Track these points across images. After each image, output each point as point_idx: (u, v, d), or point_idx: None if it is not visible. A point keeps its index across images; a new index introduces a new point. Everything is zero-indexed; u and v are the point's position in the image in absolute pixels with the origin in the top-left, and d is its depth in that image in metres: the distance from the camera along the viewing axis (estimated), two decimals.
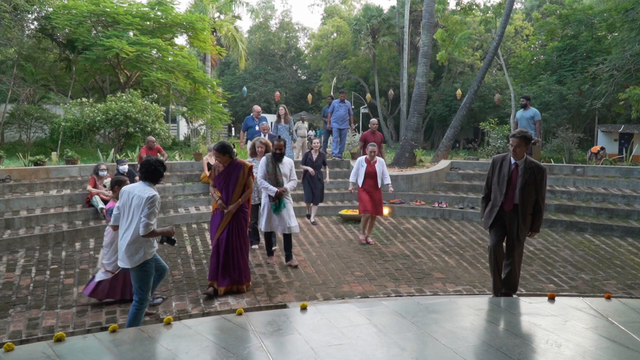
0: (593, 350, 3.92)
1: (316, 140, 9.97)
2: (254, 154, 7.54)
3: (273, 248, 7.73)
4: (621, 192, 10.44)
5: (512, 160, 5.30)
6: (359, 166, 8.42)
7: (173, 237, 4.92)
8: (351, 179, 8.63)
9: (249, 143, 7.71)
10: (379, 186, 8.33)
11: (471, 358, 3.75)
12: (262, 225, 7.00)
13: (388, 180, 8.40)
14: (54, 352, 3.76)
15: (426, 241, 8.69)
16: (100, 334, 4.22)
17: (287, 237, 7.12)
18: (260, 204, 7.36)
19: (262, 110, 38.22)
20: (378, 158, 8.44)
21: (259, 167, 6.94)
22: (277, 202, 6.79)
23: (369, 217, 8.36)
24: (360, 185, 8.31)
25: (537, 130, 11.25)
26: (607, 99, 16.59)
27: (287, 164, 7.06)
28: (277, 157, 6.93)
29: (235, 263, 5.99)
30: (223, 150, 5.91)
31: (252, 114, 11.76)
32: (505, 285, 5.44)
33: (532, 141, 11.53)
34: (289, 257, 7.16)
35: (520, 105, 11.69)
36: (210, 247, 6.60)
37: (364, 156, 8.51)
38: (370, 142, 10.47)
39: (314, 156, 9.76)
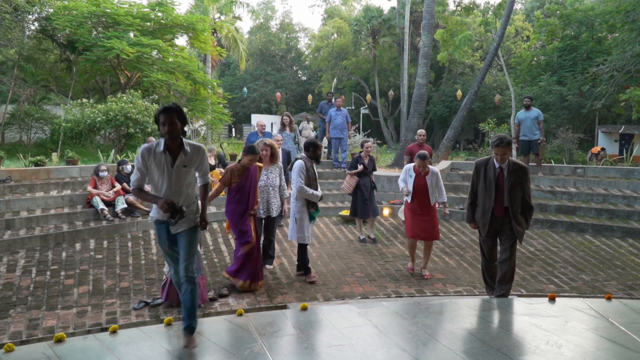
0: (593, 351, 3.92)
1: (368, 143, 8.65)
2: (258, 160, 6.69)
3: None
4: (622, 192, 10.43)
5: (497, 165, 5.32)
6: (406, 175, 6.85)
7: (172, 208, 3.78)
8: (400, 183, 6.94)
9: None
10: (432, 203, 6.70)
11: (471, 359, 3.75)
12: (303, 238, 6.37)
13: (443, 198, 6.74)
14: (54, 353, 3.76)
15: None
16: (101, 335, 4.22)
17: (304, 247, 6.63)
18: (265, 217, 6.55)
19: (263, 110, 37.99)
20: (431, 168, 6.74)
21: (296, 173, 6.22)
22: (315, 208, 6.43)
23: (415, 242, 6.89)
24: (409, 201, 6.78)
25: (541, 130, 11.20)
26: (607, 100, 16.59)
27: (314, 166, 6.64)
28: (315, 160, 6.42)
29: (260, 262, 6.17)
30: (255, 151, 5.94)
31: (255, 129, 10.40)
32: (501, 285, 5.42)
33: (538, 141, 11.38)
34: (307, 267, 6.67)
35: (524, 105, 11.51)
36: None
37: (412, 164, 6.85)
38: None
39: (366, 161, 8.47)
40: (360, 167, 8.36)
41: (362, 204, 8.33)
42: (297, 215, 6.32)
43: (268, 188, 6.46)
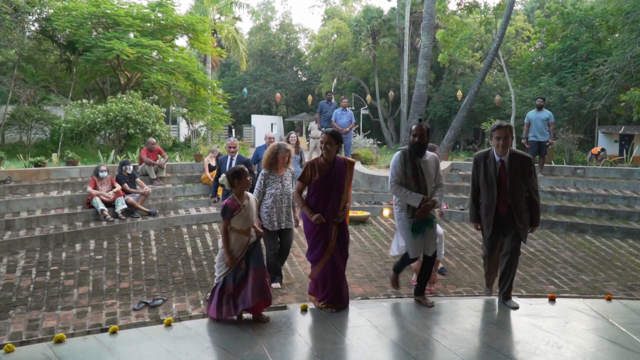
0: (594, 352, 3.92)
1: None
2: (273, 165, 5.68)
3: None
4: (622, 193, 10.43)
5: (497, 158, 4.81)
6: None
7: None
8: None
9: (267, 150, 5.85)
10: None
11: (471, 359, 3.75)
12: (410, 251, 4.85)
13: (439, 256, 5.97)
14: (54, 354, 3.76)
15: None
16: (101, 335, 4.22)
17: (430, 261, 5.04)
18: (280, 229, 5.83)
19: (263, 111, 37.93)
20: (437, 231, 5.45)
21: (391, 167, 4.82)
22: (420, 218, 4.73)
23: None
24: None
25: (551, 133, 11.03)
26: (607, 100, 16.62)
27: (432, 160, 4.81)
28: (417, 151, 4.71)
29: (344, 282, 4.91)
30: (338, 137, 4.78)
31: (264, 142, 9.38)
32: (501, 286, 5.06)
33: (547, 143, 11.20)
34: (423, 289, 5.15)
35: (536, 105, 11.19)
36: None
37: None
38: None
39: None
40: None
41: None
42: (397, 223, 4.98)
43: (284, 197, 5.74)
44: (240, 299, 4.36)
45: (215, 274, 4.49)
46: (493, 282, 5.40)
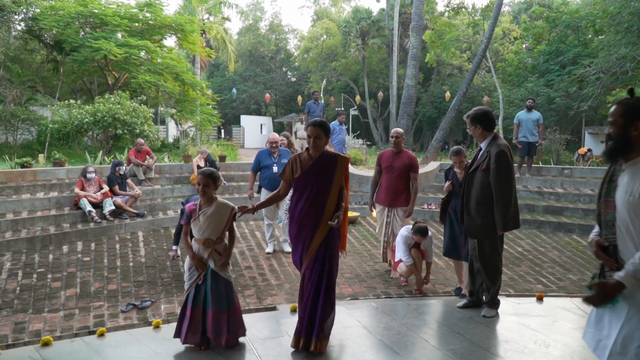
0: (581, 350, 3.96)
1: (464, 154, 5.83)
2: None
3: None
4: None
5: (480, 145, 4.58)
6: (406, 245, 5.89)
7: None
8: (405, 260, 5.90)
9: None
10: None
11: (460, 359, 3.77)
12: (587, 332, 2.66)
13: (429, 259, 6.12)
14: (41, 357, 3.73)
15: None
16: (88, 338, 4.19)
17: None
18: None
19: (252, 112, 37.63)
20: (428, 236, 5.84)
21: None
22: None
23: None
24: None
25: (540, 134, 11.11)
26: (594, 102, 16.81)
27: None
28: (611, 153, 2.71)
29: (316, 307, 3.84)
30: (326, 128, 3.99)
31: (266, 146, 7.99)
32: (485, 293, 4.78)
33: (536, 144, 11.31)
34: None
35: (526, 106, 11.22)
36: None
37: (409, 232, 5.89)
38: (387, 166, 6.75)
39: (460, 175, 5.63)
40: (447, 184, 5.80)
41: (449, 238, 5.78)
42: None
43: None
44: (193, 331, 3.85)
45: (185, 285, 3.98)
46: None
